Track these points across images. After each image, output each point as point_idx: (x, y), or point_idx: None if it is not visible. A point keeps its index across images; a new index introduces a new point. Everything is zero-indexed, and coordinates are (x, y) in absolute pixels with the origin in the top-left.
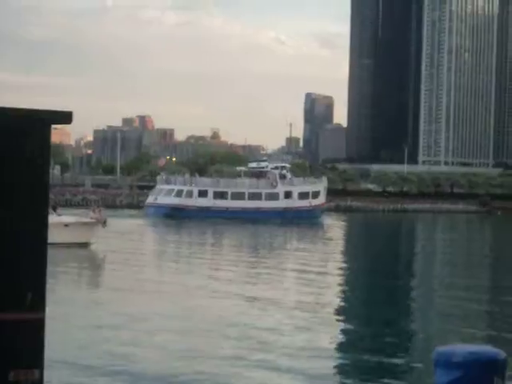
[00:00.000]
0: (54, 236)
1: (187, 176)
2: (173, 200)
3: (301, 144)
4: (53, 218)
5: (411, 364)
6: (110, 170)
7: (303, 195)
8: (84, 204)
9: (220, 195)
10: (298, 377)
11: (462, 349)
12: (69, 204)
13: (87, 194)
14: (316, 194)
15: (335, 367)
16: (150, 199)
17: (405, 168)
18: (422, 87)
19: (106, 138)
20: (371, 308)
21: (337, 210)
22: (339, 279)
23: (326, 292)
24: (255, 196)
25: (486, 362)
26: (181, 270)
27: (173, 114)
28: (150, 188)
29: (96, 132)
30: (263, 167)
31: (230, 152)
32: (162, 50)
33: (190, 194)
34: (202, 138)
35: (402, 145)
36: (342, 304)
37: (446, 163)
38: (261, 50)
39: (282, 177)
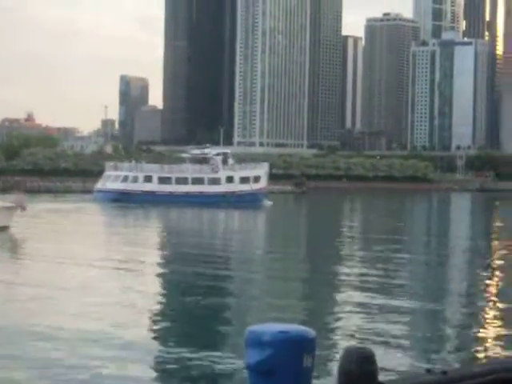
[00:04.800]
0: None
1: (133, 162)
2: (119, 185)
3: (116, 126)
4: None
5: (225, 345)
6: None
7: (244, 179)
8: None
9: (164, 180)
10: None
11: (271, 328)
12: None
13: None
14: (257, 179)
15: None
16: (99, 185)
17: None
18: (237, 69)
19: None
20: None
21: None
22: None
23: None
24: (198, 181)
25: (295, 341)
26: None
27: None
28: None
29: None
30: (206, 153)
31: (44, 134)
32: None
33: (135, 180)
34: (16, 120)
35: (217, 126)
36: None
37: (262, 144)
38: (81, 33)
39: (224, 162)
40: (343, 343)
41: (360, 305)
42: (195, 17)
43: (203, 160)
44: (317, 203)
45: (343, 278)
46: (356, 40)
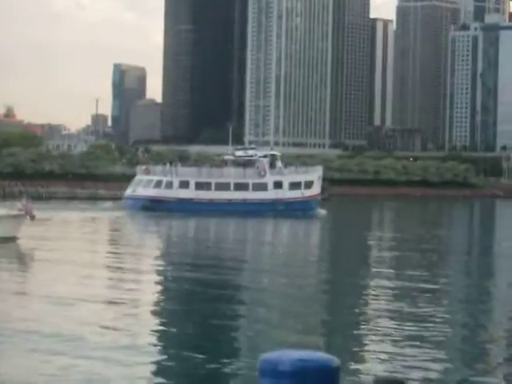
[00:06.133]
0: None
1: (167, 165)
2: (151, 192)
3: (109, 122)
4: None
5: (236, 372)
6: None
7: (295, 185)
8: None
9: (203, 186)
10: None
11: (289, 356)
12: None
13: None
14: (309, 184)
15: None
16: (129, 191)
17: (229, 150)
18: (249, 57)
19: None
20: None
21: None
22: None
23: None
24: (241, 186)
25: (316, 370)
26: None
27: None
28: None
29: None
30: (251, 155)
31: (25, 132)
32: None
33: (169, 185)
34: None
35: (225, 123)
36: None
37: (277, 144)
38: (59, 17)
39: (272, 166)
40: (372, 372)
41: (392, 328)
42: None
43: (247, 163)
44: (342, 213)
45: (378, 298)
46: (386, 23)
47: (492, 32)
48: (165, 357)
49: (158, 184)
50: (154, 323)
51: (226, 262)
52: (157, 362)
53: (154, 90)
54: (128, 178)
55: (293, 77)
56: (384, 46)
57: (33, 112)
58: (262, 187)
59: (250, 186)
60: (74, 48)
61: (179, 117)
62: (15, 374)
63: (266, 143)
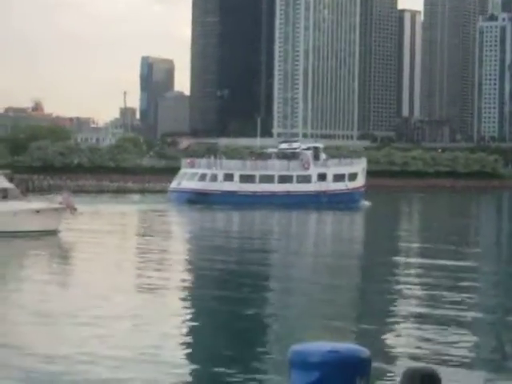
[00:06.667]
0: (24, 224)
1: (212, 158)
2: (196, 184)
3: (138, 116)
4: (23, 204)
5: (266, 365)
6: None
7: (339, 177)
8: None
9: (247, 178)
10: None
11: (319, 347)
12: None
13: None
14: (353, 176)
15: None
16: (174, 184)
17: (257, 142)
18: (276, 49)
19: None
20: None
21: None
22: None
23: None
24: (285, 179)
25: (347, 362)
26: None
27: None
28: None
29: None
30: (295, 148)
31: (54, 126)
32: None
33: (214, 178)
34: (22, 109)
35: (253, 115)
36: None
37: (305, 135)
38: (86, 7)
39: (316, 158)
40: (402, 363)
41: (425, 317)
42: None
43: (291, 155)
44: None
45: (415, 290)
46: (414, 14)
47: None
48: (195, 345)
49: (203, 177)
50: (193, 314)
51: (272, 254)
52: (189, 348)
53: (182, 82)
54: (156, 171)
55: (321, 69)
56: (412, 37)
57: (61, 105)
58: (306, 179)
59: (294, 179)
60: (102, 40)
61: (207, 109)
62: (51, 362)
63: (295, 135)
